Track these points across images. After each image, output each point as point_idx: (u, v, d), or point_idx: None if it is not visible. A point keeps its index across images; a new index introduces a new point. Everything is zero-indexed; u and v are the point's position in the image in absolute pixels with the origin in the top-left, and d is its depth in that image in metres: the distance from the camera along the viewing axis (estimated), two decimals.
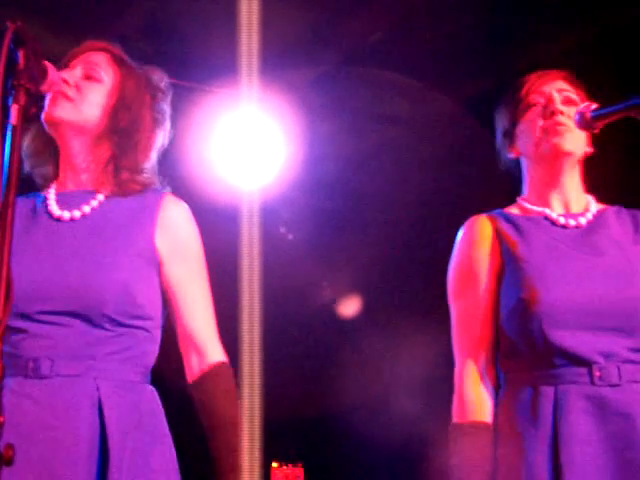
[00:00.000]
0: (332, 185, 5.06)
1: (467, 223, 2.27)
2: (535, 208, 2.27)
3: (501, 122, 2.36)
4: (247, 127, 4.42)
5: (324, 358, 5.49)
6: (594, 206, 2.29)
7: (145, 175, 2.20)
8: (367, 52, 4.49)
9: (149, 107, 2.23)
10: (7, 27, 1.54)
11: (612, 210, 2.30)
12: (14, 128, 1.54)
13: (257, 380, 4.59)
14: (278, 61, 4.33)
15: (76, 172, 2.18)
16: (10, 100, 1.57)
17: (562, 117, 2.22)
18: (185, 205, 2.21)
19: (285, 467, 4.63)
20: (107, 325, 2.00)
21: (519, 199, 2.33)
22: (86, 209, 2.11)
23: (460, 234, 2.27)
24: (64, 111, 2.12)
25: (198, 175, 4.49)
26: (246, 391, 4.54)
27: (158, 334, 2.12)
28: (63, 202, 2.13)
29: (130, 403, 2.01)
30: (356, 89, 4.75)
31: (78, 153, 2.17)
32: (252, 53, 4.15)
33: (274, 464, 4.63)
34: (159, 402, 2.09)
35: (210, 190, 4.45)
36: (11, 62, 1.59)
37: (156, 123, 2.26)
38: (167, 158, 4.74)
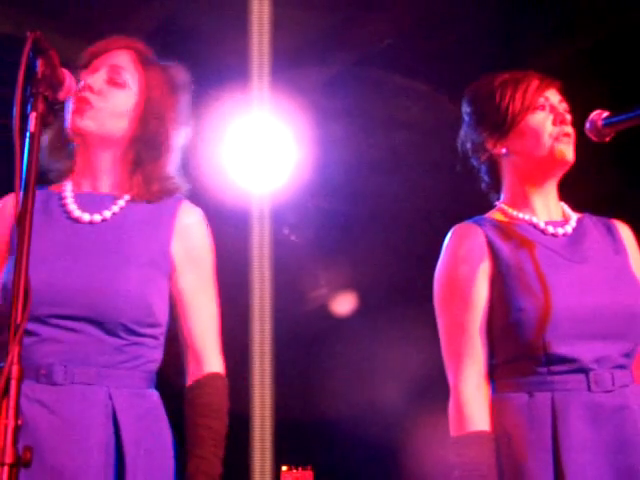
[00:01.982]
0: (343, 188, 5.07)
1: (455, 231, 2.22)
2: (520, 215, 2.25)
3: (490, 115, 2.27)
4: (258, 131, 4.43)
5: (334, 362, 5.50)
6: (573, 214, 2.30)
7: (171, 181, 2.16)
8: (378, 56, 4.50)
9: (173, 109, 2.17)
10: (26, 37, 1.55)
11: (588, 218, 2.31)
12: (32, 135, 1.54)
13: (268, 380, 4.59)
14: (289, 65, 4.34)
15: (96, 176, 2.13)
16: (29, 108, 1.57)
17: (569, 128, 2.24)
18: (201, 212, 2.19)
19: (295, 470, 4.64)
20: (122, 334, 1.99)
21: (500, 204, 2.29)
22: (107, 214, 2.07)
23: (449, 242, 2.22)
24: (89, 122, 2.07)
25: (209, 178, 4.50)
26: (257, 394, 4.55)
27: (163, 340, 2.11)
28: (82, 203, 2.09)
29: (141, 410, 2.01)
30: (367, 93, 4.76)
31: (102, 160, 2.12)
32: (263, 57, 4.16)
33: (284, 467, 4.64)
34: (163, 407, 2.09)
35: (221, 193, 4.47)
36: (29, 70, 1.59)
37: (179, 124, 2.18)
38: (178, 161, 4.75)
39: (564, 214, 2.30)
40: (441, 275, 2.21)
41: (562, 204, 2.32)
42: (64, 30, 3.97)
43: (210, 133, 4.52)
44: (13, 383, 1.43)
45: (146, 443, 1.99)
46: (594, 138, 2.12)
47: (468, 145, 2.34)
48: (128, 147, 2.12)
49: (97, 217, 2.07)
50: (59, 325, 1.96)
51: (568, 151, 2.23)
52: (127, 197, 2.11)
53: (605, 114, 2.08)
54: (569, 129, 2.23)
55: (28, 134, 1.55)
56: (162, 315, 2.07)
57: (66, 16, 4.01)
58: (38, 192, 2.09)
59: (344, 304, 5.81)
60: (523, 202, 2.27)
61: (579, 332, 2.10)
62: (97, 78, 2.10)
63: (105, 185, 2.13)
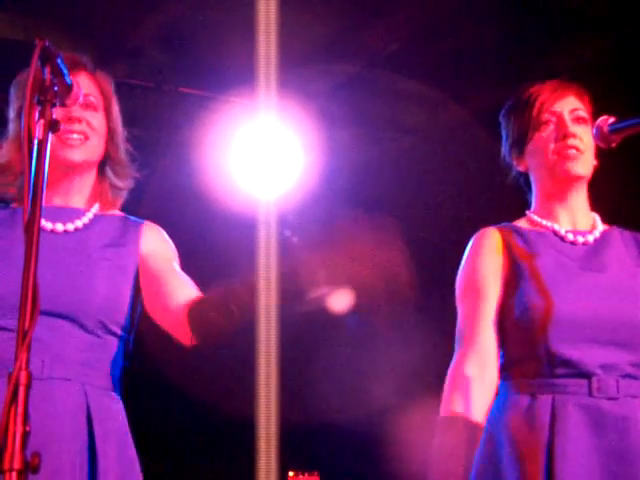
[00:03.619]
0: (349, 194, 5.07)
1: (477, 235, 2.31)
2: (544, 222, 2.30)
3: (510, 134, 2.36)
4: (265, 137, 4.44)
5: (341, 367, 5.50)
6: (600, 225, 2.33)
7: (128, 186, 2.27)
8: (384, 62, 4.51)
9: (120, 117, 2.26)
10: (35, 45, 1.56)
11: (617, 231, 2.34)
12: (40, 143, 1.55)
13: (274, 385, 4.60)
14: (296, 71, 4.35)
15: (69, 192, 2.19)
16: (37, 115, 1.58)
17: (574, 140, 2.24)
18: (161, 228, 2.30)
19: (301, 476, 4.64)
20: (99, 331, 2.05)
21: (528, 212, 2.36)
22: (79, 223, 2.15)
23: (470, 245, 2.31)
24: (84, 153, 2.14)
25: (216, 184, 4.51)
26: (262, 399, 4.56)
27: (129, 348, 2.18)
28: (53, 216, 2.14)
29: (110, 412, 2.07)
30: (373, 99, 4.77)
31: (77, 179, 2.19)
32: (270, 62, 4.17)
33: (290, 473, 4.64)
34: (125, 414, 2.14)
35: (228, 199, 4.48)
36: (37, 78, 1.60)
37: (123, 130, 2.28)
38: (185, 167, 4.77)
39: (593, 225, 2.33)
40: (461, 274, 2.30)
41: (594, 215, 2.36)
42: (70, 36, 3.98)
43: (217, 139, 4.53)
44: (21, 389, 1.44)
45: (116, 442, 2.03)
46: (601, 144, 2.13)
47: (506, 158, 2.40)
48: (99, 164, 2.21)
49: (70, 226, 2.15)
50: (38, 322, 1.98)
51: (572, 166, 2.24)
52: (95, 207, 2.20)
53: (611, 120, 2.08)
54: (573, 141, 2.24)
55: (36, 142, 1.56)
56: (131, 321, 2.14)
57: (72, 22, 4.03)
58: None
59: (353, 310, 5.80)
60: (548, 212, 2.32)
61: (583, 336, 2.13)
62: (77, 107, 2.11)
63: (76, 200, 2.20)
